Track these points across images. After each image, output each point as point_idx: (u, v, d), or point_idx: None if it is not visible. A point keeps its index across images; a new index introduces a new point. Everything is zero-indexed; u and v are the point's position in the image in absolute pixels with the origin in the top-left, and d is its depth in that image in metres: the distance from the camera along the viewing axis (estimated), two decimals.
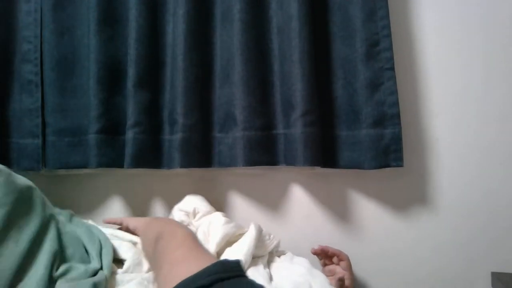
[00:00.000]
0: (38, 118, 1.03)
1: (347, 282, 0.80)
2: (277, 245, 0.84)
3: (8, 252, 0.53)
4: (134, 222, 0.77)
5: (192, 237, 0.57)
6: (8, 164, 1.04)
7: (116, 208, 1.06)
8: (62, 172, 1.08)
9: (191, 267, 0.43)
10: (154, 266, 0.57)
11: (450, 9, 0.92)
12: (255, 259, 0.76)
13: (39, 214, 0.60)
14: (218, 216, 0.86)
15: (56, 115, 1.03)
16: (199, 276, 0.41)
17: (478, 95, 0.89)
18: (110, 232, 0.76)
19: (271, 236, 0.84)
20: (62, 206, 1.08)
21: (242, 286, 0.41)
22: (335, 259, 0.85)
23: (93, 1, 0.98)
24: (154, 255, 0.56)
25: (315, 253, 0.86)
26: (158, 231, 0.60)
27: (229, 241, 0.79)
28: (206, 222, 0.85)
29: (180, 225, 0.64)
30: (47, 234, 0.60)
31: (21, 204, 0.58)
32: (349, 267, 0.83)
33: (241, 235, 0.80)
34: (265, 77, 0.93)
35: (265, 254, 0.80)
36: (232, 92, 0.93)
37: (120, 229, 0.79)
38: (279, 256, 0.84)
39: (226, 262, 0.45)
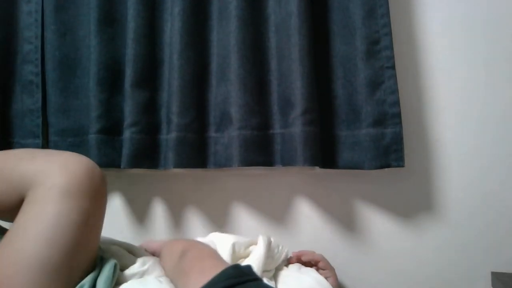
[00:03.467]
0: (38, 119, 1.03)
1: (330, 281, 0.79)
2: (286, 256, 0.82)
3: None
4: (153, 245, 0.83)
5: (216, 252, 0.68)
6: None
7: (116, 208, 1.07)
8: None
9: None
10: (178, 276, 0.62)
11: (452, 6, 0.90)
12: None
13: None
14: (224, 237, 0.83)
15: (59, 115, 1.03)
16: (217, 279, 0.47)
17: (480, 94, 0.88)
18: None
19: (280, 247, 0.81)
20: None
21: None
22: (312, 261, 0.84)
23: (93, 1, 0.98)
24: (178, 268, 0.62)
25: (292, 263, 0.84)
26: (183, 248, 0.66)
27: (237, 257, 0.76)
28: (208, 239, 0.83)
29: (204, 243, 0.74)
30: None
31: None
32: (328, 265, 0.83)
33: (249, 249, 0.78)
34: (262, 76, 0.92)
35: (272, 268, 0.78)
36: (228, 91, 0.92)
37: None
38: (287, 266, 0.82)
39: (242, 267, 0.51)
